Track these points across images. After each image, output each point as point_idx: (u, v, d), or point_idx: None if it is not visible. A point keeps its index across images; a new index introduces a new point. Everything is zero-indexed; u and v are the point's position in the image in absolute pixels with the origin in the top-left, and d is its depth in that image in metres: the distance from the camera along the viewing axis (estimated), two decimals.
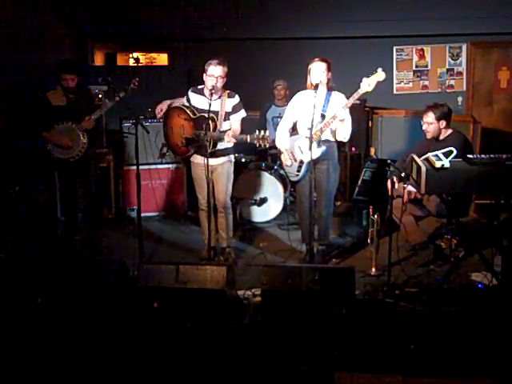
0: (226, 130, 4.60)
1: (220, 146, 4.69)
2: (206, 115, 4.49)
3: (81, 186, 5.34)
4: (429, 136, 4.73)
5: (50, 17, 6.45)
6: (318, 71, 4.54)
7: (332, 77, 4.64)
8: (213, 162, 4.71)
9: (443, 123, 4.69)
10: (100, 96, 5.90)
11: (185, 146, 4.75)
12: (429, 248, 4.97)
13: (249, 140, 4.44)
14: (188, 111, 4.74)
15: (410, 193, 4.63)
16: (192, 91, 4.83)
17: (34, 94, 5.73)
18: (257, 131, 4.37)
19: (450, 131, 4.74)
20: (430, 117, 4.69)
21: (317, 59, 4.58)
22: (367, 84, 4.35)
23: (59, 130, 5.04)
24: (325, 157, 4.60)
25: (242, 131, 4.73)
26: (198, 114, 4.65)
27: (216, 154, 4.72)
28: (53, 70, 5.15)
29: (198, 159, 4.81)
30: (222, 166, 4.83)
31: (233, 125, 4.72)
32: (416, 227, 4.87)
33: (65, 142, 5.02)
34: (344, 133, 4.59)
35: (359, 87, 4.38)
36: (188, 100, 4.84)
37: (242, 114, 4.79)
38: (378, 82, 4.36)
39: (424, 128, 4.75)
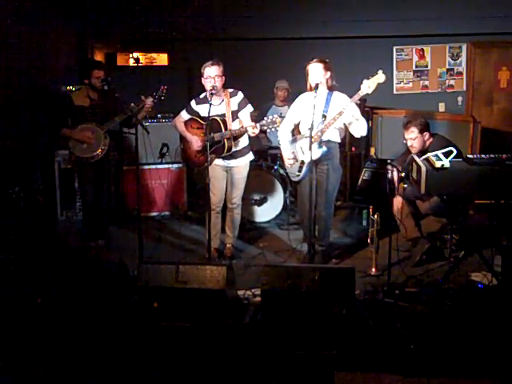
0: (238, 128, 4.65)
1: (237, 147, 4.75)
2: (215, 117, 4.58)
3: (98, 188, 5.25)
4: (414, 151, 4.61)
5: (50, 16, 6.44)
6: (315, 72, 4.54)
7: (333, 77, 4.63)
8: (231, 163, 4.83)
9: (426, 135, 4.67)
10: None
11: (203, 154, 4.76)
12: (428, 248, 4.96)
13: (259, 128, 4.51)
14: (198, 119, 4.78)
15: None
16: (196, 103, 4.84)
17: (55, 92, 5.81)
18: (265, 118, 4.50)
19: (431, 139, 4.73)
20: (413, 132, 4.64)
21: (313, 60, 4.58)
22: (367, 86, 4.34)
23: (81, 127, 4.99)
24: (326, 157, 4.60)
25: None
26: (208, 120, 4.66)
27: (233, 155, 4.79)
28: (80, 69, 5.14)
29: (215, 160, 4.82)
30: (240, 168, 4.89)
31: (243, 121, 4.74)
32: (413, 223, 4.84)
33: (87, 135, 4.95)
34: (360, 129, 4.58)
35: (359, 89, 4.37)
36: (189, 111, 4.86)
37: (249, 108, 4.80)
38: (378, 84, 4.36)
39: (409, 144, 4.68)
